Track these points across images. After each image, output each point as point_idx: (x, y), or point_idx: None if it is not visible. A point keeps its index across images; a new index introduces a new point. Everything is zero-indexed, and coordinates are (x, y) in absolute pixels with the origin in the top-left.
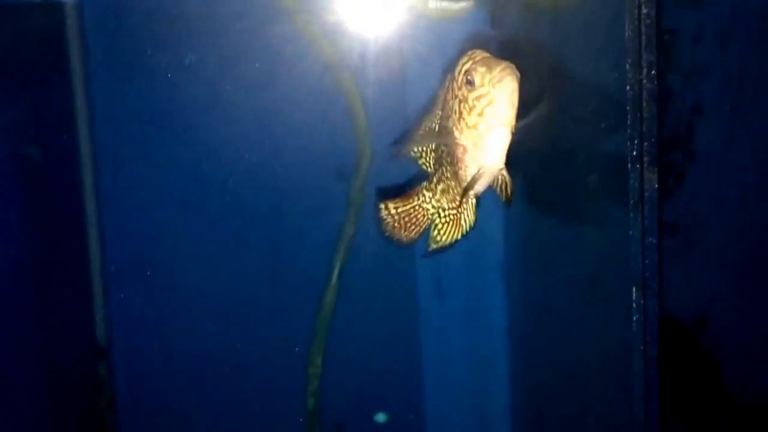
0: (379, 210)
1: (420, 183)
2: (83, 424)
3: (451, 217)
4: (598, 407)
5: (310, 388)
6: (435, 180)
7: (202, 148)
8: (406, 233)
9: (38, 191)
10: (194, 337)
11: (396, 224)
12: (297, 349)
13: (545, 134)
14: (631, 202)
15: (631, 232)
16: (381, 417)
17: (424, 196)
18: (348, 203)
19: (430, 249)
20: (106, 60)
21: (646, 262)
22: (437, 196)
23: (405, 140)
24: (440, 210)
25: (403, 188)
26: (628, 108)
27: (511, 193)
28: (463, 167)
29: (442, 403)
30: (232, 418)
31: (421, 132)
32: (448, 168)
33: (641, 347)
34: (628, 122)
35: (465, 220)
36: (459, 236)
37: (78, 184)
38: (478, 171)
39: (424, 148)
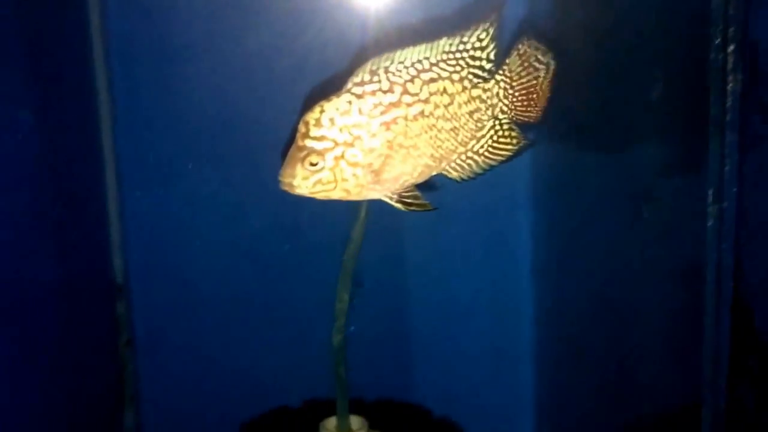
0: None
1: None
2: (102, 364)
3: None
4: (650, 341)
5: (337, 324)
6: None
7: (223, 71)
8: None
9: (54, 131)
10: (215, 274)
11: None
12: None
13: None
14: (712, 96)
15: (711, 128)
16: None
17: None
18: None
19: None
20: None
21: (726, 161)
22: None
23: None
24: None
25: None
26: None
27: None
28: None
29: (466, 344)
30: (255, 356)
31: None
32: None
33: (715, 261)
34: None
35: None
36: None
37: (93, 122)
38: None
39: None
